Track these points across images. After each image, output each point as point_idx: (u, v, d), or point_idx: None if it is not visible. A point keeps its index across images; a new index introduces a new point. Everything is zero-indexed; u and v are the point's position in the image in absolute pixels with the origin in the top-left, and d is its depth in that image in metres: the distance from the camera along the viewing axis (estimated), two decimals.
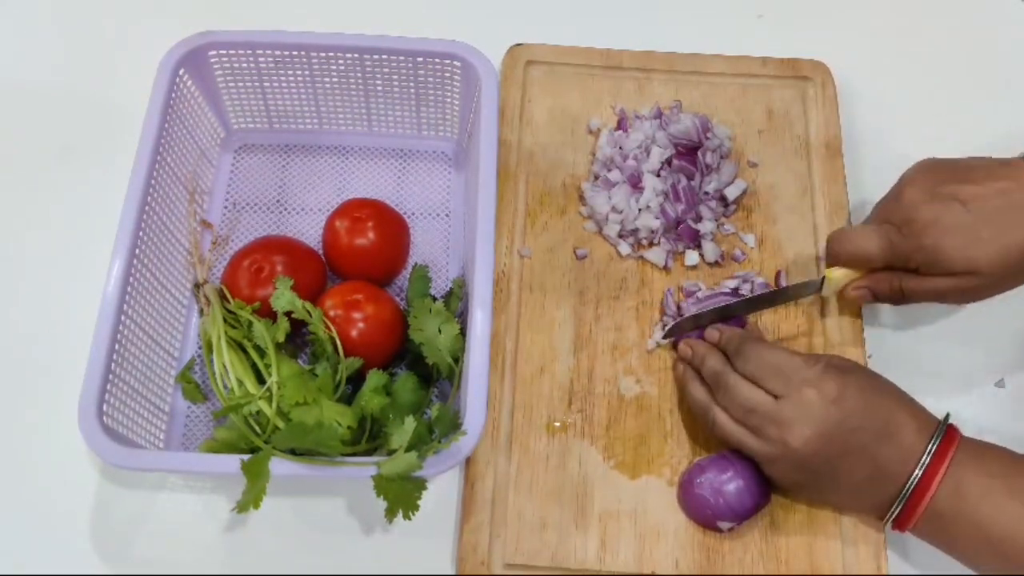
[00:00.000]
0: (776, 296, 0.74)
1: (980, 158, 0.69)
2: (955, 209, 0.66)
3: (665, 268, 0.78)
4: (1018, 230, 0.65)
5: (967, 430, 0.72)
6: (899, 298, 0.71)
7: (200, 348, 0.73)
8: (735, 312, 0.73)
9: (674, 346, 0.74)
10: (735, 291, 0.76)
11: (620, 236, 0.79)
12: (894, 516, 0.63)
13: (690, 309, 0.75)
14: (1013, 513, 0.60)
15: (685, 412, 0.72)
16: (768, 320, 0.76)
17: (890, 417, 0.63)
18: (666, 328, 0.74)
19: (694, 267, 0.78)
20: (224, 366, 0.67)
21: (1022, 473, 0.62)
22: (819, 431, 0.62)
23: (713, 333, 0.71)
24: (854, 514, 0.68)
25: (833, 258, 0.73)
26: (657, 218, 0.78)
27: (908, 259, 0.68)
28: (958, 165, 0.69)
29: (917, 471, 0.61)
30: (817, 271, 0.78)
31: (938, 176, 0.68)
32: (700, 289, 0.76)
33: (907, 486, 0.61)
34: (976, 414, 0.74)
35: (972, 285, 0.67)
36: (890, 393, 0.65)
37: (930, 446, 0.62)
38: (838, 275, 0.72)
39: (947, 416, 0.64)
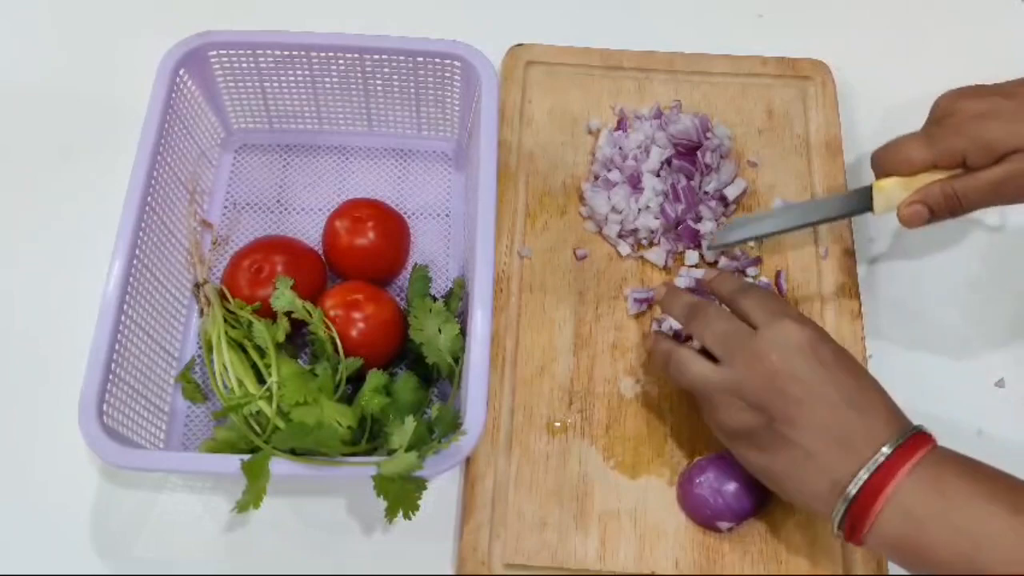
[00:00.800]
0: (822, 212, 0.71)
1: (1013, 80, 0.68)
2: (994, 99, 0.65)
3: (665, 268, 0.78)
4: None
5: (967, 430, 0.73)
6: (956, 205, 0.66)
7: (200, 348, 0.73)
8: (779, 231, 0.72)
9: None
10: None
11: (620, 236, 0.79)
12: (847, 505, 0.56)
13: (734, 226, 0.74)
14: (998, 519, 0.53)
15: (685, 412, 0.72)
16: None
17: (865, 391, 0.59)
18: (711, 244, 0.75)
19: (694, 267, 0.78)
20: (224, 366, 0.67)
21: (1006, 481, 0.56)
22: (787, 366, 0.58)
23: (711, 273, 0.71)
24: (798, 498, 0.60)
25: (879, 168, 0.69)
26: (657, 218, 0.78)
27: (953, 151, 0.65)
28: (989, 86, 0.68)
29: (887, 448, 0.56)
30: (817, 270, 0.78)
31: (975, 87, 0.68)
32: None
33: (870, 463, 0.56)
34: (976, 414, 0.73)
35: (1022, 167, 0.63)
36: (870, 376, 0.61)
37: (904, 433, 0.57)
38: (888, 184, 0.68)
39: (920, 426, 0.59)
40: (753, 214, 0.71)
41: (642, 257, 0.78)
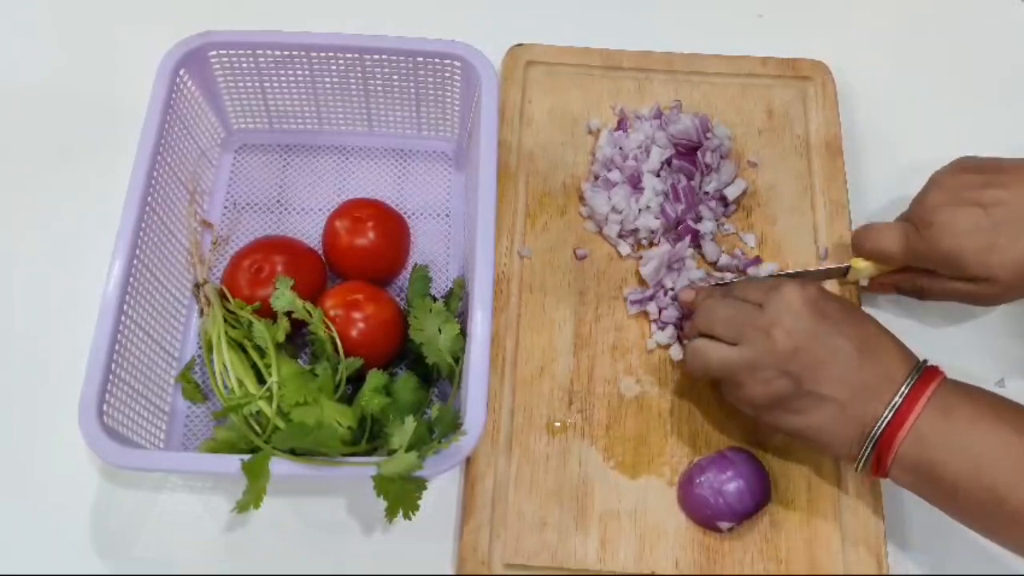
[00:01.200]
0: (802, 277, 0.74)
1: (1017, 159, 0.68)
2: (975, 214, 0.65)
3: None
4: None
5: None
6: (920, 296, 0.73)
7: (200, 348, 0.73)
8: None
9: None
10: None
11: (620, 236, 0.79)
12: (874, 441, 0.60)
13: (710, 283, 0.76)
14: (1001, 437, 0.58)
15: (685, 412, 0.72)
16: None
17: (872, 335, 0.63)
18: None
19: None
20: (224, 366, 0.67)
21: (1011, 406, 0.61)
22: (801, 326, 0.62)
23: (687, 292, 0.72)
24: (839, 448, 0.63)
25: (857, 251, 0.74)
26: (657, 218, 0.78)
27: (926, 260, 0.69)
28: (988, 166, 0.68)
29: (904, 388, 0.60)
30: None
31: (965, 178, 0.68)
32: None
33: (891, 405, 0.60)
34: None
35: (989, 291, 0.67)
36: (872, 319, 0.65)
37: (916, 370, 0.61)
38: (863, 266, 0.74)
39: (926, 360, 0.63)
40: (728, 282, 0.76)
41: (642, 257, 0.78)
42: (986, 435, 0.58)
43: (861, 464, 0.62)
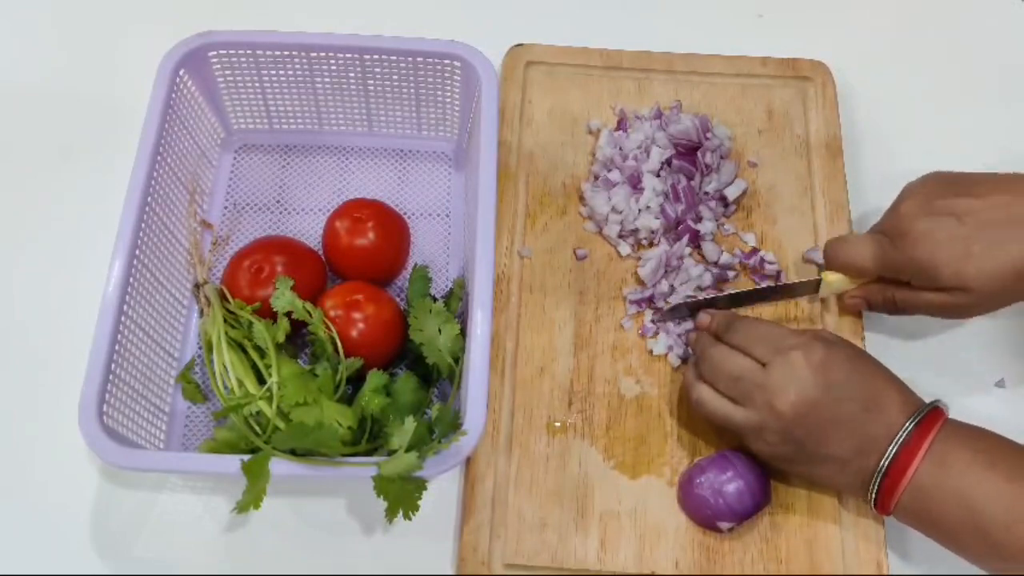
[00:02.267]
0: (773, 292, 0.75)
1: (988, 173, 0.68)
2: (948, 223, 0.65)
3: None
4: (1012, 245, 0.64)
5: None
6: (892, 309, 0.72)
7: (200, 348, 0.73)
8: (730, 304, 0.74)
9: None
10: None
11: (620, 236, 0.79)
12: (876, 489, 0.62)
13: (682, 297, 0.75)
14: (993, 483, 0.59)
15: (685, 412, 0.72)
16: (768, 315, 0.76)
17: (877, 390, 0.63)
18: (657, 314, 0.75)
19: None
20: (224, 366, 0.67)
21: (1006, 449, 0.61)
22: (806, 396, 0.62)
23: (704, 318, 0.72)
24: (843, 491, 0.67)
25: (829, 264, 0.74)
26: (657, 218, 0.78)
27: (900, 271, 0.69)
28: (961, 179, 0.68)
29: (900, 436, 0.61)
30: (817, 270, 0.78)
31: (938, 189, 0.68)
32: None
33: (887, 455, 0.61)
34: (976, 414, 0.73)
35: (963, 302, 0.66)
36: (877, 368, 0.65)
37: (913, 419, 0.61)
38: (834, 279, 0.73)
39: (936, 401, 0.64)
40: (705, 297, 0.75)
41: (641, 258, 0.78)
42: (979, 484, 0.59)
43: (871, 505, 0.64)
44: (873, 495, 0.62)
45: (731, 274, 0.77)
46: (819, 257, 0.78)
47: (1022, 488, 0.59)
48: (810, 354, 0.63)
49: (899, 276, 0.69)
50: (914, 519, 0.63)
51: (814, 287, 0.75)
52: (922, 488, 0.60)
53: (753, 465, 0.67)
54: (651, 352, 0.74)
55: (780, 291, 0.75)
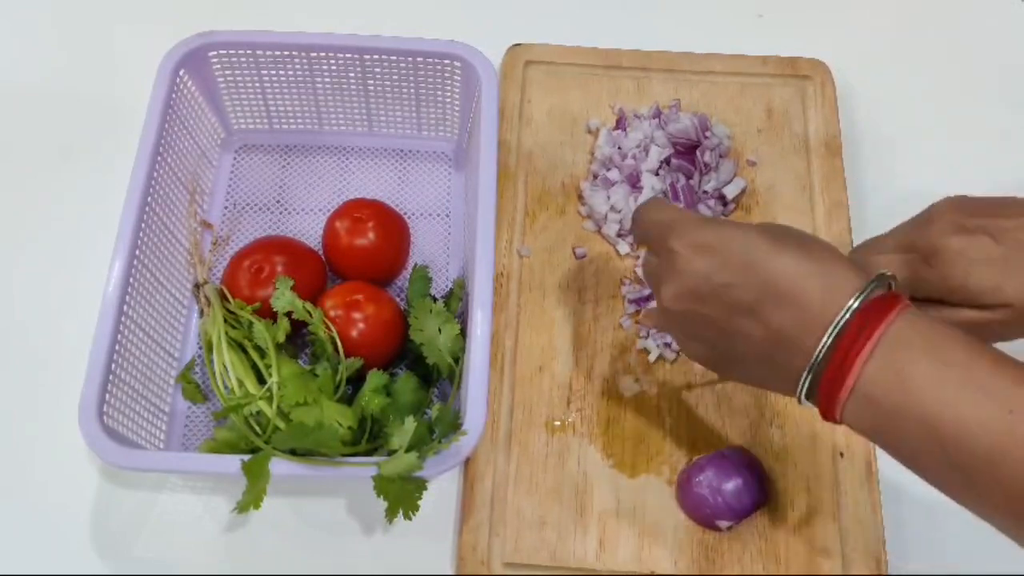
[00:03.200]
0: None
1: (1015, 197, 0.65)
2: (984, 241, 0.62)
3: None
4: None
5: None
6: None
7: (200, 348, 0.73)
8: None
9: None
10: None
11: (619, 235, 0.79)
12: (804, 391, 0.51)
13: None
14: (975, 411, 0.46)
15: (684, 411, 0.72)
16: None
17: (783, 273, 0.52)
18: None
19: None
20: (224, 366, 0.67)
21: (987, 360, 0.48)
22: (685, 285, 0.54)
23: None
24: (782, 393, 0.55)
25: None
26: None
27: (935, 290, 0.64)
28: (990, 201, 0.65)
29: (826, 338, 0.49)
30: None
31: (968, 210, 0.64)
32: None
33: (814, 357, 0.50)
34: None
35: (1001, 318, 0.62)
36: (792, 245, 0.53)
37: (846, 309, 0.49)
38: None
39: (883, 274, 0.52)
40: None
41: (640, 257, 0.78)
42: (953, 408, 0.47)
43: (800, 394, 0.52)
44: (802, 394, 0.52)
45: None
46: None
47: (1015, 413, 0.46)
48: (688, 238, 0.55)
49: (933, 295, 0.64)
50: (869, 434, 0.51)
51: None
52: (873, 401, 0.49)
53: (752, 464, 0.67)
54: (646, 352, 0.74)
55: None
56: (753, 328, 0.53)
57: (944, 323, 0.51)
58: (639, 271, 0.76)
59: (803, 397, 0.52)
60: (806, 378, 0.51)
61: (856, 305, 0.49)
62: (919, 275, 0.65)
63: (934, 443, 0.47)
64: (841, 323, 0.49)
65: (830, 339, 0.49)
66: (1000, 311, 0.63)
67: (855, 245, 0.72)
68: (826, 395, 0.50)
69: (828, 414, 0.51)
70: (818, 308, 0.50)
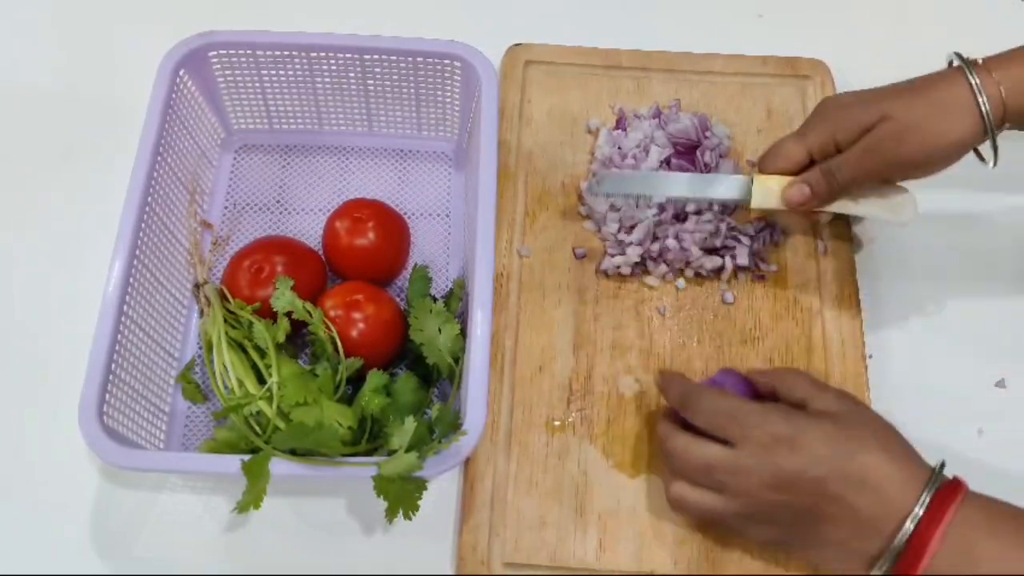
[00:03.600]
0: (704, 189, 0.73)
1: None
2: (860, 93, 0.70)
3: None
4: (932, 92, 0.68)
5: (967, 430, 0.73)
6: (832, 180, 0.69)
7: (200, 348, 0.73)
8: (659, 187, 0.74)
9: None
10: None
11: (618, 234, 0.79)
12: (891, 559, 0.55)
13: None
14: None
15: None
16: (766, 318, 0.76)
17: (866, 465, 0.57)
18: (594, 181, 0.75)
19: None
20: (224, 366, 0.67)
21: None
22: (780, 478, 0.57)
23: (659, 381, 0.68)
24: (848, 573, 0.59)
25: (763, 170, 0.73)
26: (656, 217, 0.78)
27: (825, 139, 0.70)
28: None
29: (908, 524, 0.54)
30: (817, 270, 0.78)
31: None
32: None
33: (896, 541, 0.54)
34: (976, 414, 0.74)
35: (887, 131, 0.66)
36: (869, 438, 0.58)
37: (923, 496, 0.55)
38: (767, 179, 0.72)
39: (942, 465, 0.58)
40: (636, 173, 0.74)
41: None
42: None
43: None
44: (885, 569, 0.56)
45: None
46: (820, 215, 0.78)
47: None
48: (778, 431, 0.58)
49: (827, 146, 0.70)
50: None
51: (747, 187, 0.73)
52: None
53: (744, 382, 0.66)
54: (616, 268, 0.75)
55: (711, 189, 0.73)
56: (839, 518, 0.57)
57: (1000, 502, 0.56)
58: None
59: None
60: (884, 563, 0.55)
61: (929, 498, 0.55)
62: (808, 129, 0.72)
63: None
64: (920, 512, 0.54)
65: (913, 525, 0.54)
66: (884, 125, 0.67)
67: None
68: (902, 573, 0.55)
69: None
70: (899, 497, 0.55)
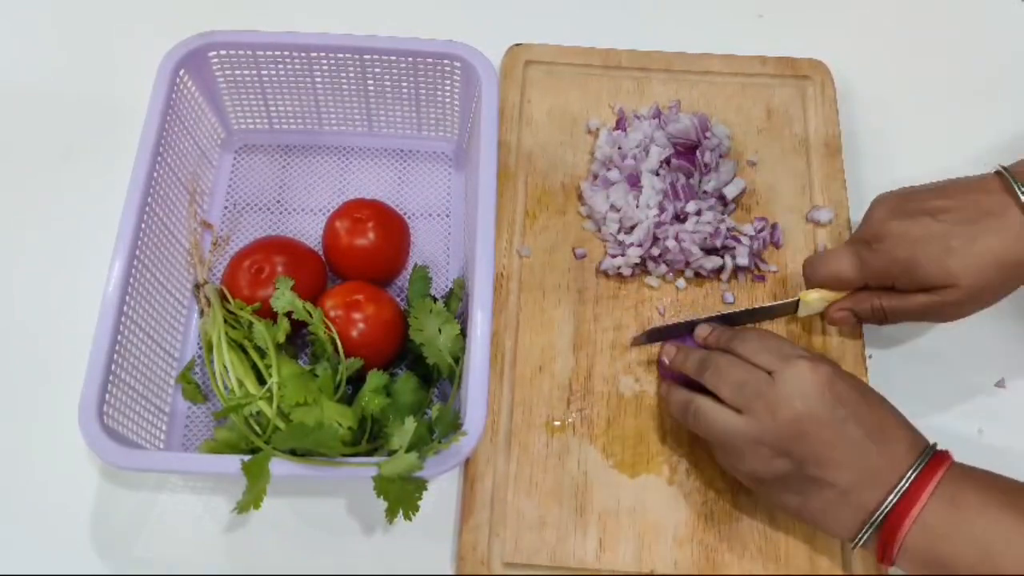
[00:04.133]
0: (750, 315, 0.73)
1: (954, 180, 0.68)
2: (925, 221, 0.65)
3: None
4: (991, 236, 0.63)
5: (967, 430, 0.73)
6: (882, 319, 0.70)
7: (200, 349, 0.73)
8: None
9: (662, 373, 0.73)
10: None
11: (618, 235, 0.79)
12: (875, 527, 0.59)
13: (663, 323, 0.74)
14: (1011, 525, 0.57)
15: None
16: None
17: (884, 421, 0.61)
18: (637, 336, 0.74)
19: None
20: (224, 367, 0.67)
21: (1020, 491, 0.59)
22: (811, 410, 0.60)
23: (703, 328, 0.70)
24: (832, 529, 0.62)
25: (809, 281, 0.72)
26: (656, 217, 0.77)
27: (883, 276, 0.67)
28: (928, 186, 0.68)
29: (911, 473, 0.59)
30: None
31: (907, 194, 0.68)
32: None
33: (896, 490, 0.58)
34: (976, 414, 0.74)
35: (951, 299, 0.65)
36: (883, 401, 0.63)
37: (921, 457, 0.59)
38: (813, 297, 0.72)
39: (935, 444, 0.62)
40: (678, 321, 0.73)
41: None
42: (994, 524, 0.57)
43: (858, 545, 0.61)
44: (868, 534, 0.60)
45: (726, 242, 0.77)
46: (821, 216, 0.79)
47: None
48: (818, 368, 0.61)
49: (882, 282, 0.68)
50: (920, 563, 0.59)
51: (793, 307, 0.73)
52: (932, 530, 0.58)
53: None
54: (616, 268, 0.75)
55: (758, 313, 0.74)
56: (847, 459, 0.60)
57: (983, 470, 0.60)
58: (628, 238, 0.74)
59: (867, 531, 0.60)
60: (884, 509, 0.59)
61: (929, 454, 0.60)
62: (867, 263, 0.68)
63: (982, 555, 0.57)
64: (915, 474, 0.59)
65: (907, 484, 0.59)
66: (947, 292, 0.65)
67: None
68: (890, 529, 0.58)
69: (888, 548, 0.59)
70: (902, 453, 0.60)
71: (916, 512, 0.58)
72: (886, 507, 0.59)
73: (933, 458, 0.60)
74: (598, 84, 0.87)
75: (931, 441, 0.62)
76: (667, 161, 0.80)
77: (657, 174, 0.79)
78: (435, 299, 0.72)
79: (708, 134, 0.81)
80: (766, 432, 0.61)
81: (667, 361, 0.70)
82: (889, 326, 0.71)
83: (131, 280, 0.66)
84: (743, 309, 0.74)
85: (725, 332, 0.68)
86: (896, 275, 0.67)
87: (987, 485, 0.59)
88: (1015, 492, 0.59)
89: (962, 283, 0.64)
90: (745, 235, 0.78)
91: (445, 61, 0.76)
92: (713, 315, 0.73)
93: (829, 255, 0.70)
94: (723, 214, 0.79)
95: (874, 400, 0.62)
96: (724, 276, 0.77)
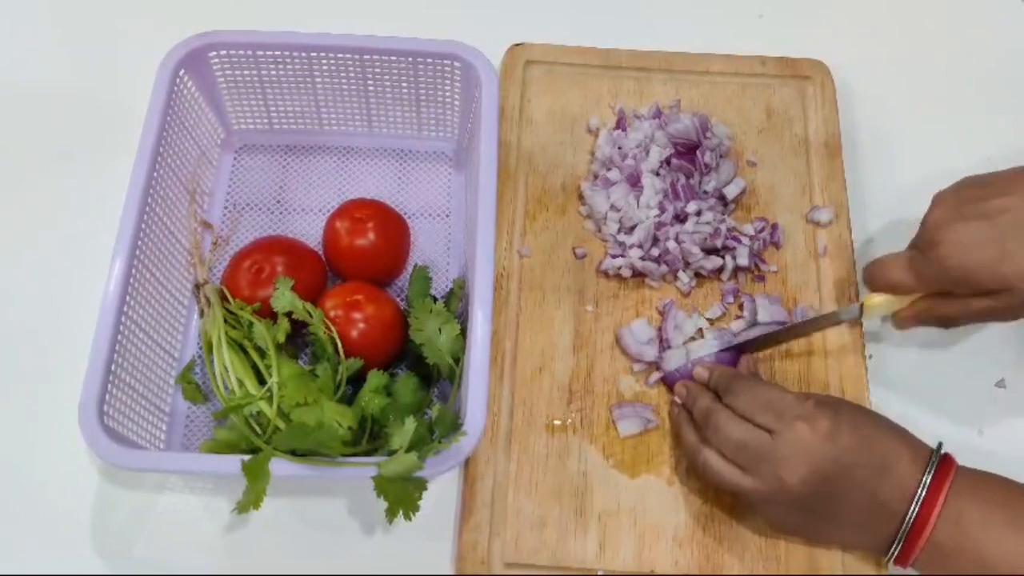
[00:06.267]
0: (813, 324, 0.73)
1: (1017, 168, 0.67)
2: (978, 226, 0.64)
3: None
4: None
5: (968, 430, 0.73)
6: (947, 325, 0.70)
7: (200, 349, 0.73)
8: (766, 345, 0.74)
9: (669, 388, 0.73)
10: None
11: (618, 235, 0.79)
12: (896, 553, 0.61)
13: (710, 345, 0.74)
14: (1013, 543, 0.58)
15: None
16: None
17: (885, 450, 0.61)
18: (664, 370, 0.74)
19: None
20: (224, 367, 0.67)
21: (1021, 502, 0.60)
22: (815, 468, 0.60)
23: (702, 372, 0.70)
24: (855, 551, 0.66)
25: (872, 287, 0.72)
26: (656, 217, 0.77)
27: (939, 284, 0.67)
28: (990, 179, 0.67)
29: (915, 505, 0.59)
30: (817, 271, 0.78)
31: (966, 193, 0.66)
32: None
33: (906, 520, 0.60)
34: (976, 414, 0.74)
35: (1010, 303, 0.64)
36: (882, 425, 0.63)
37: (925, 477, 0.60)
38: (877, 301, 0.72)
39: (940, 445, 0.62)
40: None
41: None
42: (997, 544, 0.58)
43: (890, 561, 0.63)
44: (895, 554, 0.61)
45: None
46: (821, 216, 0.79)
47: None
48: (816, 425, 0.61)
49: (939, 288, 0.68)
50: (932, 573, 0.62)
51: (857, 314, 0.73)
52: (939, 547, 0.59)
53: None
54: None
55: (821, 322, 0.73)
56: (859, 501, 0.61)
57: (986, 474, 0.62)
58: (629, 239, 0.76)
59: (888, 560, 0.62)
60: (899, 540, 0.60)
61: (931, 474, 0.60)
62: (922, 269, 0.67)
63: (984, 570, 0.59)
64: (923, 493, 0.60)
65: (917, 506, 0.59)
66: (1004, 296, 0.64)
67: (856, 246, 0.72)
68: (908, 548, 0.60)
69: (903, 561, 0.62)
70: (907, 477, 0.60)
71: (927, 534, 0.59)
72: (903, 532, 0.60)
73: (938, 470, 0.60)
74: (598, 84, 0.87)
75: (932, 445, 0.62)
76: (667, 161, 0.80)
77: (657, 174, 0.79)
78: (435, 299, 0.72)
79: (708, 134, 0.81)
80: (775, 493, 0.62)
81: (683, 393, 0.70)
82: (888, 326, 0.70)
83: (131, 280, 0.66)
84: (810, 318, 0.74)
85: (723, 377, 0.68)
86: (951, 282, 0.66)
87: (989, 497, 0.60)
88: (1017, 503, 0.60)
89: (1017, 287, 0.63)
90: (745, 235, 0.78)
91: (445, 61, 0.76)
92: (771, 332, 0.73)
93: (886, 264, 0.70)
94: (723, 214, 0.79)
95: (873, 431, 0.62)
96: (724, 276, 0.77)
